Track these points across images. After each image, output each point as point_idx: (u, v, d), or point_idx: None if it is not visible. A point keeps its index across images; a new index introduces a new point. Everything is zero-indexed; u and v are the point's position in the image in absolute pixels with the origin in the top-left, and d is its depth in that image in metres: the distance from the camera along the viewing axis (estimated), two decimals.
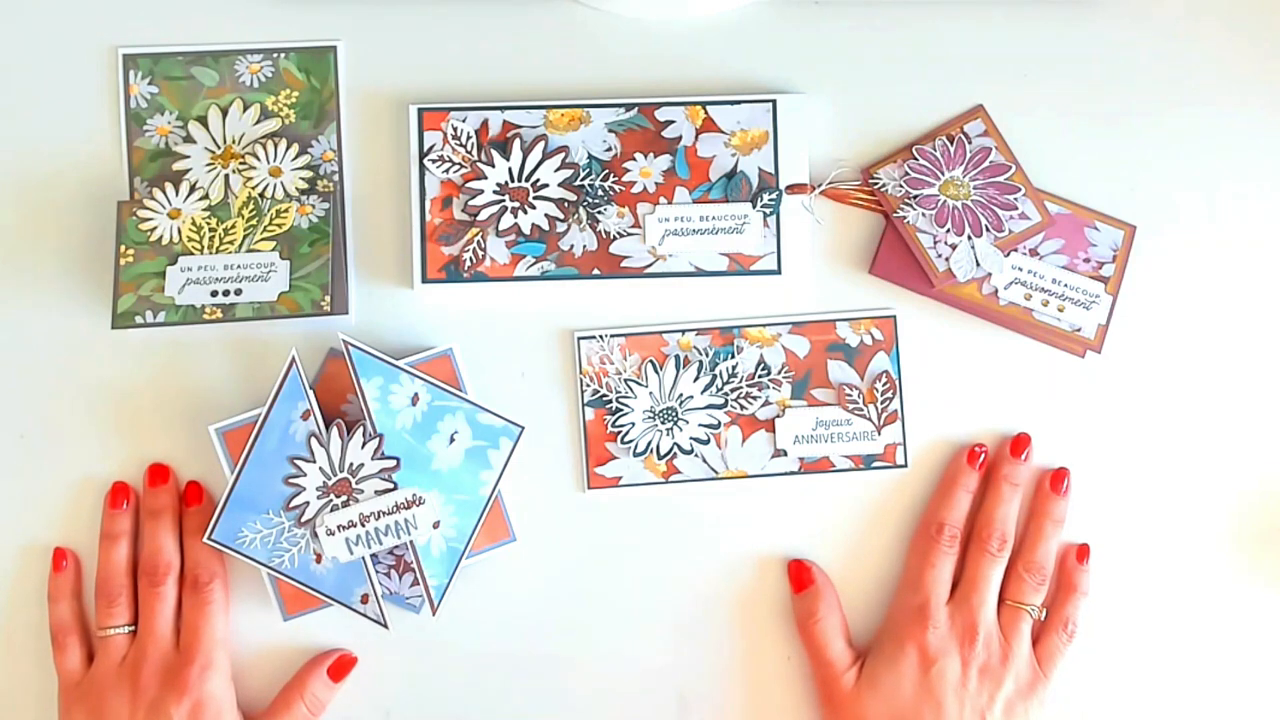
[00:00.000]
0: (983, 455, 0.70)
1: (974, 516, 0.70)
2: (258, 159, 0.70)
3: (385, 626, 0.67)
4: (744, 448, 0.70)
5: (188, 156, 0.71)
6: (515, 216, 0.70)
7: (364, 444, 0.67)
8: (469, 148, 0.70)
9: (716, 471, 0.70)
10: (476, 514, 0.68)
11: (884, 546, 0.71)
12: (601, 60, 0.72)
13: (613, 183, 0.70)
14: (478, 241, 0.70)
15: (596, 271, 0.70)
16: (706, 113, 0.70)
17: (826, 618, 0.69)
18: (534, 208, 0.70)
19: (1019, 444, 0.70)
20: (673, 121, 0.70)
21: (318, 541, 0.67)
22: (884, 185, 0.71)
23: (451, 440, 0.68)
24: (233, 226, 0.69)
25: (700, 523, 0.71)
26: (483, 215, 0.70)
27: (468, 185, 0.70)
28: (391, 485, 0.67)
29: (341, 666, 0.69)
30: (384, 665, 0.70)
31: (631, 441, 0.70)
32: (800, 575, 0.70)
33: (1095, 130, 0.72)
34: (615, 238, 0.70)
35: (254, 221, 0.69)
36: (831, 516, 0.71)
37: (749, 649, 0.71)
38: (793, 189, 0.70)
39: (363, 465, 0.67)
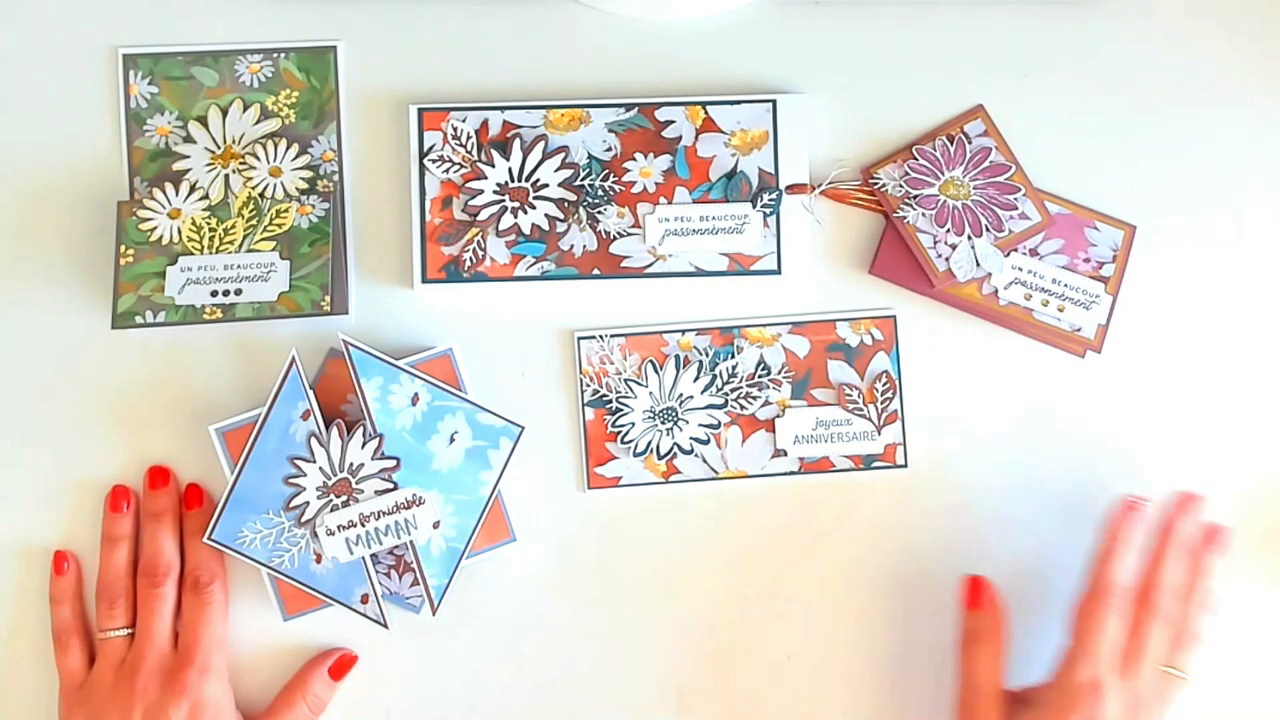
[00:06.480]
0: (1141, 508, 0.67)
1: (1140, 576, 0.66)
2: (258, 159, 0.70)
3: (385, 626, 0.67)
4: (744, 448, 0.70)
5: (188, 156, 0.71)
6: (515, 216, 0.70)
7: (364, 444, 0.67)
8: (469, 148, 0.70)
9: (716, 471, 0.70)
10: (476, 514, 0.68)
11: (884, 547, 0.71)
12: (601, 60, 0.72)
13: (613, 183, 0.70)
14: (478, 241, 0.70)
15: (596, 271, 0.70)
16: (706, 113, 0.70)
17: (996, 646, 0.66)
18: (534, 208, 0.70)
19: (1186, 501, 0.67)
20: (673, 121, 0.70)
21: (318, 541, 0.67)
22: (884, 185, 0.71)
23: (451, 440, 0.68)
24: (233, 226, 0.69)
25: (700, 523, 0.71)
26: (483, 215, 0.69)
27: (468, 185, 0.70)
28: (391, 485, 0.67)
29: (342, 665, 0.69)
30: (384, 665, 0.70)
31: (631, 441, 0.70)
32: (977, 593, 0.67)
33: (1095, 130, 0.72)
34: (615, 238, 0.70)
35: (254, 221, 0.69)
36: (831, 516, 0.71)
37: (749, 648, 0.71)
38: (793, 189, 0.70)
39: (363, 465, 0.67)
